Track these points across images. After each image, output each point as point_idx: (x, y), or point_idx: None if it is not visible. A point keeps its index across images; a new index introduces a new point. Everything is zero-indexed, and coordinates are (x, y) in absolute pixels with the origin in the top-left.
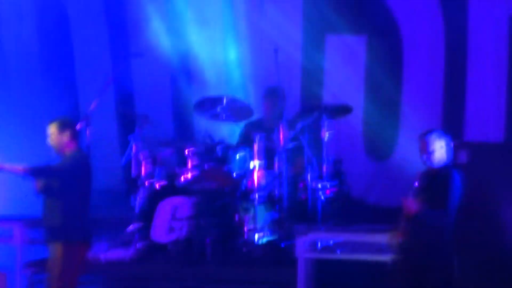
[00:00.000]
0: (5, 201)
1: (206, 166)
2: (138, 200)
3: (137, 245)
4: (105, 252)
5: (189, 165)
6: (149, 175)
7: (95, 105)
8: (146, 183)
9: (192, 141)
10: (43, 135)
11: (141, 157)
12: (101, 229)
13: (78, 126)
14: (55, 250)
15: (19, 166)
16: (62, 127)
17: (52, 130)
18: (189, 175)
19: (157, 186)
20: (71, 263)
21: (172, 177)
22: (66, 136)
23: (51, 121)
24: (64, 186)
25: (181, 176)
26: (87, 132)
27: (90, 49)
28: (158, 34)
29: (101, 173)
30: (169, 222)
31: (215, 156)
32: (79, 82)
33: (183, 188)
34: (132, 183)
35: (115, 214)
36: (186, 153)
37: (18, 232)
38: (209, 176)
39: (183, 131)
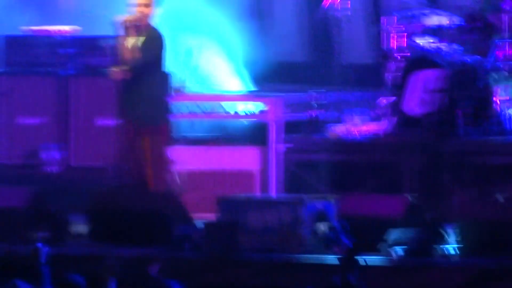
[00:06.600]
0: None
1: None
2: (390, 73)
3: (390, 118)
4: (359, 126)
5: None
6: (401, 48)
7: None
8: (398, 56)
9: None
10: None
11: (391, 30)
12: (354, 104)
13: None
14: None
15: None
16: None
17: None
18: (443, 46)
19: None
20: None
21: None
22: (153, 10)
23: None
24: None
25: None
26: (349, 3)
27: None
28: None
29: (355, 45)
30: (421, 94)
31: None
32: None
33: (435, 61)
34: (383, 56)
35: (367, 88)
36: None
37: None
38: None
39: None
